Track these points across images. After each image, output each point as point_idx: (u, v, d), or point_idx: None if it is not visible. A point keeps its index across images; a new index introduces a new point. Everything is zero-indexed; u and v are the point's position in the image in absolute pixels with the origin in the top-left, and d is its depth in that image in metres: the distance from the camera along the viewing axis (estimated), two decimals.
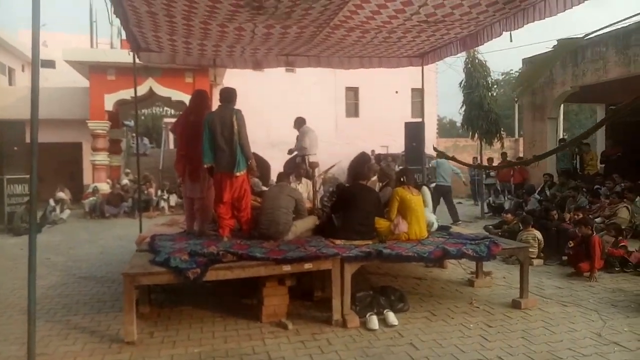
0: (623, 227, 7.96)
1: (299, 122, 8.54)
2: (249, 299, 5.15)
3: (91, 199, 13.85)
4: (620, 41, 10.36)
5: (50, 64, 20.64)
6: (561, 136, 19.06)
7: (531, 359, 3.87)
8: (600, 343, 4.20)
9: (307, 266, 4.53)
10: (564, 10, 4.84)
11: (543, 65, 1.72)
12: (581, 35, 1.81)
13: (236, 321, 4.68)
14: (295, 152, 8.37)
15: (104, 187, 14.55)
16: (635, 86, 11.49)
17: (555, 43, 1.64)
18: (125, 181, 15.51)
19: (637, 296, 5.30)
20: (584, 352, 4.00)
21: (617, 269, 6.61)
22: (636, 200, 8.84)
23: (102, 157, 15.03)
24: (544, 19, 5.07)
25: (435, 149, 3.98)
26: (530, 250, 6.92)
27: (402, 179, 5.74)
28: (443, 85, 36.99)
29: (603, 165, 12.33)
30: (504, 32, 5.77)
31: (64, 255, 8.19)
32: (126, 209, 13.90)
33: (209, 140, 5.25)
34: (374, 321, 4.53)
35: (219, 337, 4.32)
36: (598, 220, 8.37)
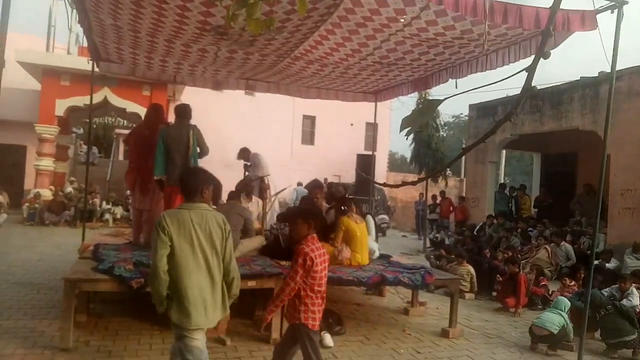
0: (545, 268, 8.63)
1: (245, 152, 8.88)
2: None
3: (32, 205, 13.31)
4: (554, 97, 11.32)
5: None
6: (502, 180, 20.22)
7: None
8: None
9: (251, 283, 4.67)
10: (502, 66, 5.39)
11: (419, 114, 2.27)
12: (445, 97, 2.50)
13: None
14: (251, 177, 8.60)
15: (47, 194, 14.03)
16: (565, 138, 12.53)
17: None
18: (69, 189, 15.01)
19: None
20: None
21: (539, 306, 7.12)
22: (561, 244, 9.55)
23: (47, 163, 14.52)
24: (485, 71, 5.61)
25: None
26: (463, 283, 7.36)
27: (342, 208, 5.95)
28: (397, 122, 38.28)
29: (536, 210, 13.21)
30: (450, 79, 6.28)
31: None
32: (68, 218, 13.48)
33: (162, 154, 5.36)
34: None
35: (156, 349, 4.34)
36: (528, 260, 9.03)
